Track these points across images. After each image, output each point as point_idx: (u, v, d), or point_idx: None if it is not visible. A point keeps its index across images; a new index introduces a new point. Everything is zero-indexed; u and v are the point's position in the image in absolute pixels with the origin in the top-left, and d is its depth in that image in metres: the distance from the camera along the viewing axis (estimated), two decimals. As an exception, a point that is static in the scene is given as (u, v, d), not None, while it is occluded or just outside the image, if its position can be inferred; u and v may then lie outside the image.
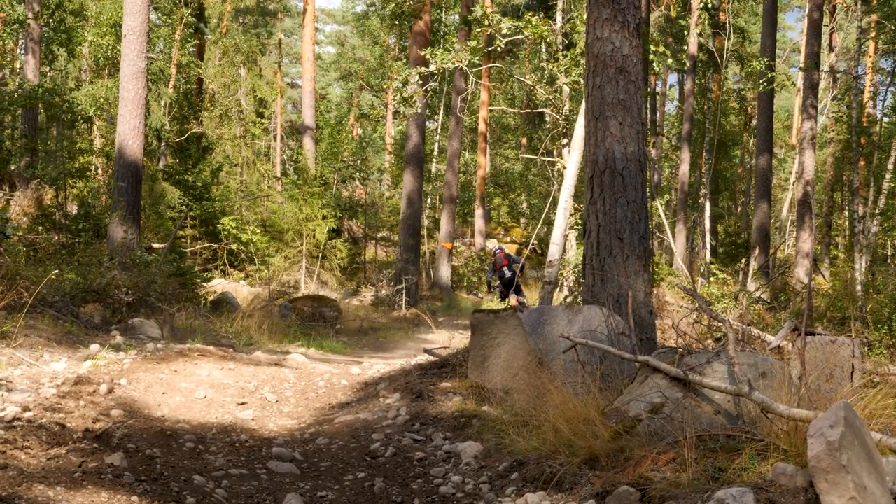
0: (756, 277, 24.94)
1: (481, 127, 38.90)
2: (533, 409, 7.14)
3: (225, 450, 7.38)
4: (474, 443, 7.13)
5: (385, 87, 40.46)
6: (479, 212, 37.88)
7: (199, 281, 19.08)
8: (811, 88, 25.45)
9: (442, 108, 45.22)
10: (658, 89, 45.92)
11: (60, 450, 6.06)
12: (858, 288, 19.94)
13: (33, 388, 7.83)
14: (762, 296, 20.04)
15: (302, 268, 28.59)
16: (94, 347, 10.34)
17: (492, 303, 21.03)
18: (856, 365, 6.77)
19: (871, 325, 13.99)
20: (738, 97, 46.09)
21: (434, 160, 44.65)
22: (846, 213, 39.14)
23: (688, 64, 32.86)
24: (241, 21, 51.64)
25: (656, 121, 43.01)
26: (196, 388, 9.24)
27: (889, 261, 31.65)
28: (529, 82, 20.51)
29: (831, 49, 37.22)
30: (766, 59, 25.52)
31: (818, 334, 7.17)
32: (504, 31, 18.80)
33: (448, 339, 15.54)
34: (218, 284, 22.97)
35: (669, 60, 23.21)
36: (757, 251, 26.67)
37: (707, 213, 33.25)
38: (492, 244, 23.10)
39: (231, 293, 20.79)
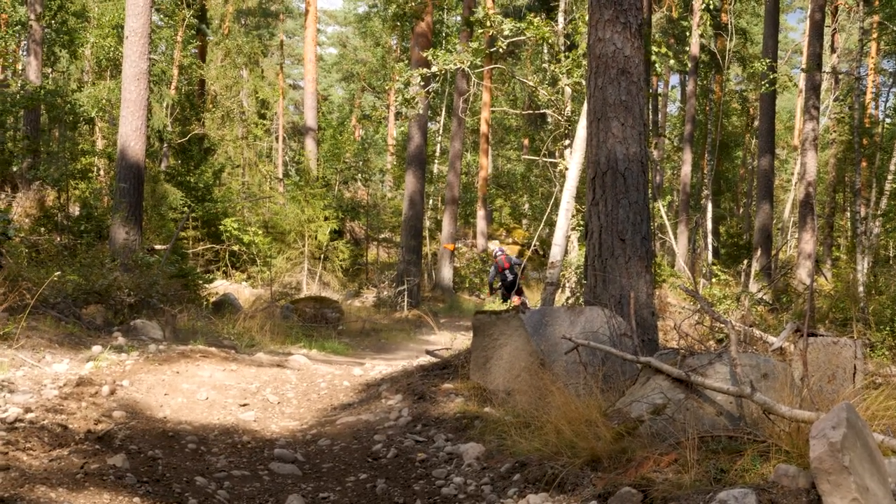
0: (758, 278, 24.93)
1: (483, 128, 38.93)
2: (535, 410, 7.14)
3: (227, 451, 7.38)
4: (476, 444, 7.13)
5: (387, 88, 40.51)
6: (480, 213, 37.90)
7: (200, 282, 19.08)
8: (813, 89, 25.44)
9: (444, 110, 45.23)
10: (660, 90, 45.90)
11: (62, 451, 6.06)
12: (860, 289, 19.93)
13: (35, 390, 7.83)
14: (764, 297, 20.02)
15: (304, 269, 28.61)
16: (96, 349, 10.35)
17: (494, 304, 21.02)
18: (858, 366, 6.77)
19: (874, 326, 13.98)
20: (739, 98, 46.09)
21: (436, 161, 44.65)
22: (848, 214, 39.09)
23: (689, 65, 32.91)
24: (243, 22, 51.58)
25: (658, 122, 43.01)
26: (198, 390, 9.24)
27: (891, 262, 31.63)
28: (531, 83, 20.52)
29: (833, 50, 37.21)
30: (767, 61, 25.53)
31: (820, 335, 7.17)
32: (506, 33, 18.81)
33: (450, 341, 15.55)
34: (220, 286, 22.96)
35: (672, 61, 23.24)
36: (759, 252, 26.67)
37: (709, 215, 33.26)
38: (493, 246, 23.13)
39: (233, 294, 20.79)
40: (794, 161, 41.99)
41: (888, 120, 32.83)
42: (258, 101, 41.85)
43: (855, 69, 30.15)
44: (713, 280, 23.35)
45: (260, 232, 27.52)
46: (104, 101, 26.82)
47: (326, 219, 29.00)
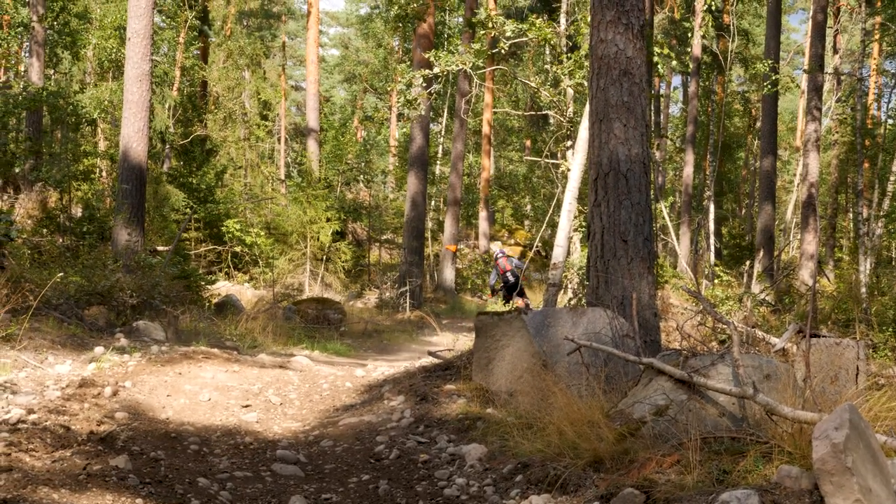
0: (760, 279, 24.90)
1: (485, 129, 38.94)
2: (537, 411, 7.14)
3: (229, 452, 7.39)
4: (479, 445, 7.13)
5: (389, 89, 40.51)
6: (483, 214, 37.91)
7: (203, 283, 19.09)
8: (815, 90, 25.42)
9: (446, 111, 45.23)
10: (662, 91, 45.86)
11: (65, 452, 6.06)
12: (863, 290, 19.93)
13: (38, 391, 7.84)
14: (766, 298, 20.01)
15: (306, 270, 28.61)
16: (99, 350, 10.36)
17: (496, 305, 21.03)
18: (860, 367, 6.77)
19: (876, 327, 13.98)
20: (742, 99, 46.08)
21: (438, 162, 44.65)
22: (850, 215, 39.07)
23: (692, 66, 32.89)
24: (245, 24, 51.62)
25: (660, 123, 42.96)
26: (200, 391, 9.24)
27: (894, 263, 31.66)
28: (533, 84, 20.51)
29: (835, 51, 37.17)
30: (770, 62, 25.53)
31: (823, 336, 7.17)
32: (508, 34, 18.81)
33: (452, 342, 15.55)
34: (222, 287, 22.97)
35: (674, 63, 23.23)
36: (761, 253, 26.66)
37: (711, 216, 33.25)
38: (495, 248, 23.16)
39: (235, 296, 20.80)
40: (797, 162, 41.98)
41: (890, 121, 32.82)
42: (260, 102, 41.87)
43: (857, 70, 30.18)
44: (715, 281, 23.35)
45: (262, 233, 27.54)
46: (106, 102, 26.84)
47: (328, 220, 28.99)
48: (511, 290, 20.53)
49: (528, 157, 37.90)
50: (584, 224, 17.62)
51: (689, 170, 33.48)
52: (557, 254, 15.64)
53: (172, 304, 14.68)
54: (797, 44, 57.66)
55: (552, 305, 15.47)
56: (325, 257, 29.29)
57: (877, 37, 33.98)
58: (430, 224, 37.77)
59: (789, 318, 16.14)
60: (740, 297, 18.88)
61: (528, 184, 44.75)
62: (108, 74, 29.54)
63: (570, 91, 18.86)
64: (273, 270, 26.98)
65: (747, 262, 30.95)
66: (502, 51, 19.46)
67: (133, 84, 17.25)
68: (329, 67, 68.83)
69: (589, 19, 10.29)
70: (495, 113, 40.23)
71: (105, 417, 7.35)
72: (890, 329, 13.75)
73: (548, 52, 22.86)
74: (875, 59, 40.13)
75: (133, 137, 17.21)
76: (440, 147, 45.54)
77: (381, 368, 12.82)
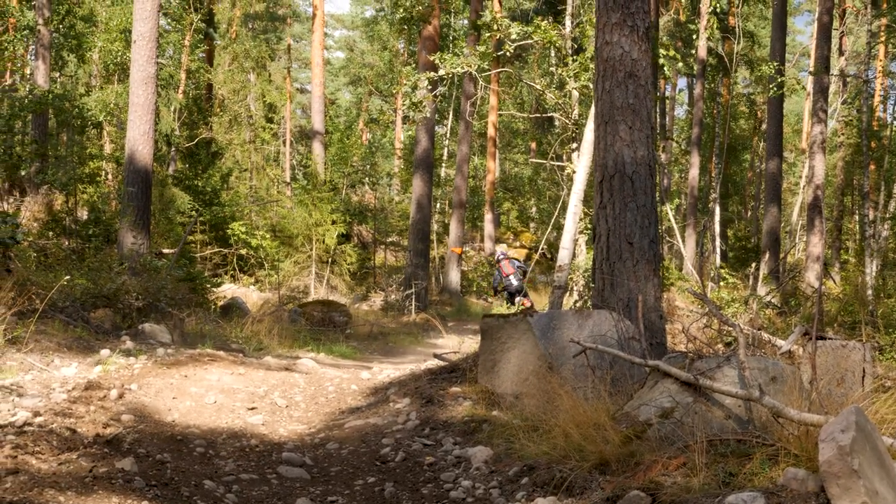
0: (766, 282, 24.89)
1: (490, 131, 38.92)
2: (543, 413, 7.14)
3: (235, 455, 7.39)
4: (484, 447, 7.12)
5: (394, 91, 40.50)
6: (488, 216, 37.90)
7: (208, 286, 19.10)
8: (821, 92, 25.41)
9: (451, 113, 45.22)
10: (667, 93, 45.94)
11: (71, 455, 6.07)
12: (869, 292, 19.91)
13: (44, 394, 7.85)
14: (772, 300, 20.00)
15: (311, 273, 28.60)
16: (105, 352, 10.36)
17: (501, 307, 21.04)
18: (867, 369, 6.76)
19: (882, 329, 13.95)
20: (747, 101, 46.06)
21: (443, 165, 44.64)
22: (857, 217, 39.06)
23: (697, 68, 32.84)
24: (250, 26, 51.68)
25: (666, 125, 43.00)
26: (206, 393, 9.25)
27: (900, 264, 31.56)
28: (539, 87, 20.52)
29: (841, 53, 37.18)
30: (775, 64, 25.49)
31: (829, 339, 7.16)
32: (513, 36, 18.82)
33: (458, 344, 15.53)
34: (228, 289, 22.97)
35: (679, 64, 23.21)
36: (767, 255, 26.64)
37: (717, 218, 33.22)
38: (500, 249, 23.17)
39: (241, 298, 20.80)
40: (802, 164, 41.97)
41: (896, 123, 32.80)
42: (265, 104, 41.88)
43: (863, 72, 30.13)
44: (721, 283, 23.34)
45: (268, 236, 27.54)
46: (112, 105, 26.89)
47: (334, 222, 28.98)
48: (515, 292, 20.57)
49: (534, 160, 37.92)
50: (589, 226, 17.63)
51: (694, 172, 33.45)
52: (563, 256, 15.63)
53: (178, 307, 14.69)
54: (803, 46, 57.62)
55: (558, 308, 15.46)
56: (330, 260, 29.28)
57: (882, 38, 34.00)
58: (435, 226, 37.75)
59: (795, 321, 16.12)
60: (746, 299, 18.88)
61: (534, 186, 44.70)
62: (114, 77, 29.59)
63: (576, 93, 18.87)
64: (278, 273, 26.99)
65: (753, 265, 30.94)
66: (507, 53, 19.48)
67: (138, 87, 17.27)
68: (334, 70, 68.92)
69: (594, 21, 10.30)
70: (501, 115, 40.26)
71: (111, 420, 7.36)
72: (896, 331, 13.72)
73: (553, 54, 22.89)
74: (881, 60, 40.14)
75: (139, 140, 17.23)
76: (445, 149, 45.53)
77: (386, 371, 12.81)
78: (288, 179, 43.38)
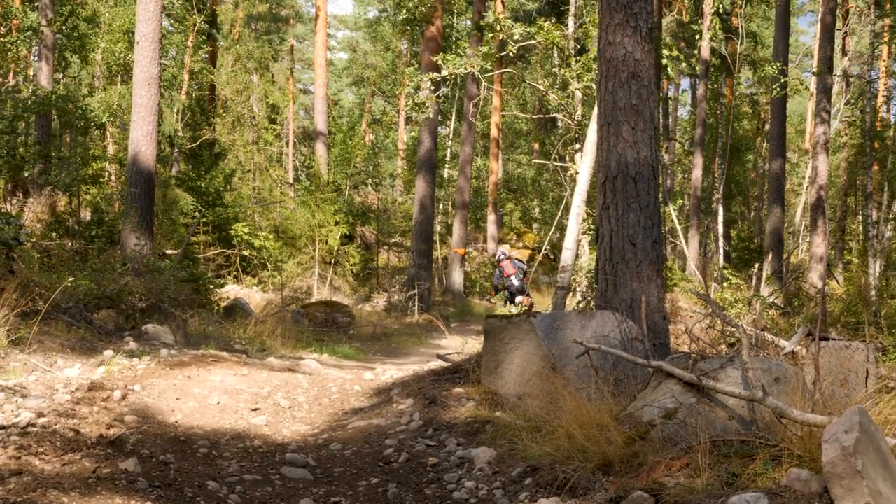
0: (769, 282, 24.89)
1: (493, 132, 38.91)
2: (546, 414, 7.14)
3: (238, 455, 7.39)
4: (487, 448, 7.12)
5: (397, 92, 40.55)
6: (491, 217, 37.89)
7: (211, 287, 19.10)
8: (824, 93, 25.40)
9: (454, 114, 45.25)
10: (670, 94, 45.83)
11: (75, 455, 6.07)
12: (872, 293, 19.89)
13: (47, 394, 7.85)
14: (776, 301, 19.99)
15: (314, 273, 28.62)
16: (108, 353, 10.37)
17: (504, 308, 21.05)
18: (870, 370, 6.76)
19: (886, 329, 13.93)
20: (750, 102, 46.01)
21: (446, 166, 44.66)
22: (860, 217, 39.00)
23: (700, 69, 32.82)
24: (253, 27, 51.71)
25: (669, 126, 42.94)
26: (209, 394, 9.25)
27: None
28: (542, 88, 20.53)
29: (844, 53, 37.16)
30: (778, 64, 25.48)
31: (832, 339, 7.16)
32: (516, 37, 18.83)
33: (461, 345, 15.54)
34: (231, 290, 22.99)
35: (683, 65, 23.21)
36: (770, 256, 26.62)
37: (720, 218, 33.19)
38: (502, 249, 23.21)
39: (244, 299, 20.82)
40: (806, 165, 41.98)
41: (899, 123, 32.76)
42: (268, 105, 41.91)
43: (866, 72, 30.08)
44: (724, 284, 23.31)
45: (271, 237, 27.58)
46: (115, 106, 26.89)
47: (337, 223, 29.00)
48: (516, 293, 20.60)
49: (537, 161, 37.87)
50: (592, 227, 17.63)
51: (697, 172, 33.43)
52: (566, 257, 15.65)
53: (181, 308, 14.69)
54: (806, 46, 57.60)
55: (561, 308, 15.48)
56: (333, 261, 29.30)
57: (886, 39, 33.94)
58: (438, 227, 37.79)
59: (798, 321, 16.12)
60: (749, 299, 18.87)
61: (537, 187, 44.72)
62: (117, 78, 29.59)
63: (579, 94, 18.88)
64: (281, 274, 27.01)
65: (756, 265, 30.95)
66: (510, 54, 19.49)
67: (142, 88, 17.28)
68: (337, 71, 68.90)
69: (597, 22, 10.29)
70: (503, 116, 40.24)
71: (114, 421, 7.36)
72: (899, 332, 13.70)
73: (556, 55, 22.92)
74: (884, 61, 40.07)
75: (142, 141, 17.23)
76: (448, 150, 45.55)
77: (389, 372, 12.81)
78: (291, 180, 43.39)
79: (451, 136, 46.08)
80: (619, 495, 5.24)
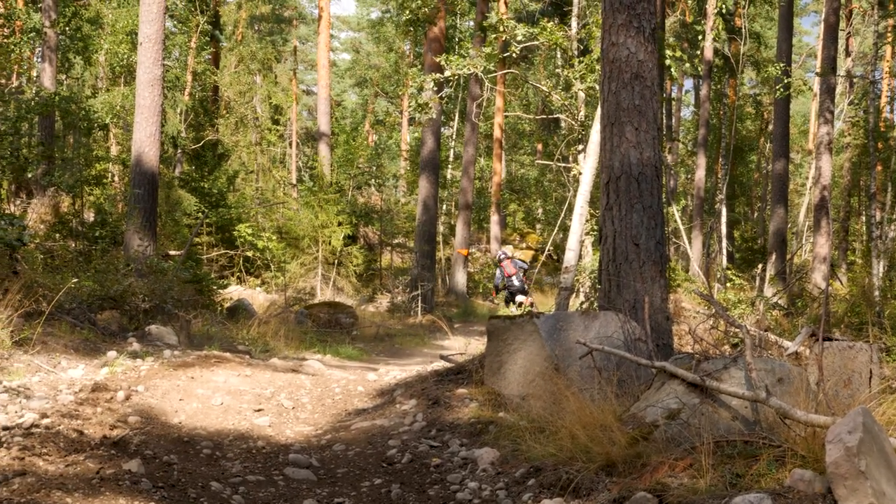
0: (773, 283, 24.85)
1: (496, 133, 38.90)
2: (549, 415, 7.14)
3: (242, 456, 7.40)
4: (491, 449, 7.12)
5: (400, 93, 40.54)
6: (494, 218, 37.87)
7: (215, 288, 19.10)
8: (828, 93, 25.36)
9: (457, 115, 45.23)
10: (674, 95, 45.82)
11: (78, 456, 6.08)
12: (876, 293, 19.85)
13: (51, 395, 7.86)
14: (779, 301, 19.97)
15: (318, 274, 28.62)
16: (112, 354, 10.38)
17: (508, 309, 21.06)
18: (874, 370, 6.76)
19: (889, 330, 13.91)
20: (753, 102, 45.96)
21: (449, 166, 44.65)
22: (863, 218, 38.97)
23: (703, 69, 32.79)
24: (256, 28, 51.75)
25: (672, 126, 42.91)
26: (213, 395, 9.25)
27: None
28: (545, 88, 20.53)
29: (848, 53, 37.12)
30: (782, 65, 25.46)
31: (836, 340, 7.16)
32: (519, 38, 18.81)
33: (464, 346, 15.52)
34: (234, 291, 23.00)
35: (686, 66, 23.19)
36: (774, 256, 26.60)
37: (723, 219, 33.11)
38: (504, 250, 23.26)
39: (247, 300, 20.82)
40: (809, 165, 41.88)
41: (903, 123, 32.73)
42: (272, 106, 41.93)
43: (870, 73, 30.05)
44: (728, 284, 23.33)
45: (274, 237, 27.59)
46: (118, 107, 26.93)
47: (340, 224, 29.00)
48: (516, 292, 20.65)
49: (540, 161, 37.89)
50: (595, 228, 17.62)
51: (700, 173, 33.39)
52: (569, 257, 15.63)
53: (185, 309, 14.70)
54: (809, 46, 57.63)
55: (564, 309, 15.46)
56: (336, 261, 29.30)
57: (889, 39, 33.89)
58: (441, 228, 37.76)
59: (802, 322, 16.10)
60: (753, 300, 18.85)
61: (540, 187, 44.71)
62: (120, 79, 29.63)
63: (582, 95, 18.86)
64: (285, 274, 27.01)
65: (760, 266, 30.88)
66: (513, 54, 19.49)
67: (145, 89, 17.29)
68: (340, 72, 68.90)
69: (600, 23, 10.29)
70: (507, 117, 40.20)
71: (118, 422, 7.37)
72: (903, 332, 13.67)
73: (559, 55, 22.87)
74: (888, 61, 40.04)
75: (145, 142, 17.25)
76: (451, 151, 45.53)
77: (392, 372, 12.82)
78: (294, 181, 43.45)
79: (454, 136, 46.07)
80: (623, 496, 5.24)
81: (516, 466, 6.59)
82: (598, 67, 15.82)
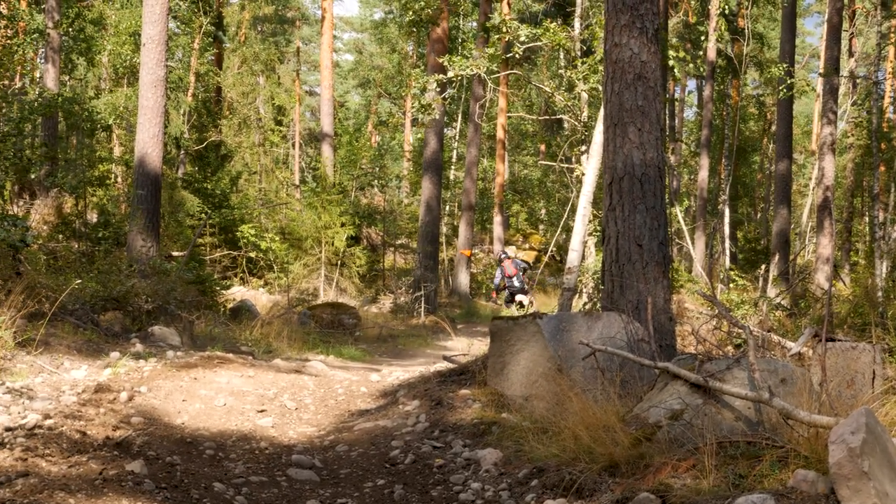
0: (776, 283, 24.85)
1: (499, 134, 38.89)
2: (552, 416, 7.13)
3: (245, 457, 7.40)
4: (494, 450, 7.12)
5: (403, 94, 40.48)
6: (497, 219, 37.87)
7: (218, 288, 19.12)
8: (831, 93, 25.36)
9: (460, 115, 45.24)
10: (677, 95, 45.81)
11: (81, 457, 6.08)
12: (879, 294, 19.84)
13: (54, 396, 7.86)
14: (782, 302, 19.95)
15: (321, 275, 28.61)
16: (115, 355, 10.38)
17: (508, 309, 21.08)
18: (877, 371, 6.76)
19: (892, 331, 13.90)
20: (756, 103, 45.98)
21: (452, 167, 44.67)
22: (866, 218, 39.00)
23: (706, 70, 32.79)
24: (259, 29, 51.72)
25: (675, 127, 42.91)
26: (216, 396, 9.25)
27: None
28: (548, 89, 20.54)
29: (851, 54, 37.09)
30: (785, 65, 25.46)
31: (839, 340, 7.16)
32: (522, 39, 18.83)
33: (467, 346, 15.54)
34: (237, 292, 23.01)
35: (689, 66, 23.19)
36: (777, 257, 26.60)
37: (726, 220, 33.15)
38: (505, 250, 23.27)
39: (250, 301, 20.82)
40: (812, 165, 41.87)
41: (906, 124, 32.73)
42: (275, 107, 41.92)
43: (873, 73, 30.08)
44: (731, 285, 23.31)
45: (277, 238, 27.60)
46: (121, 108, 26.95)
47: (343, 225, 28.99)
48: (516, 293, 20.72)
49: (543, 162, 37.89)
50: (598, 228, 17.62)
51: (703, 174, 33.39)
52: (572, 258, 15.63)
53: (188, 310, 14.70)
54: (812, 47, 57.52)
55: (567, 310, 15.46)
56: (339, 262, 29.30)
57: (892, 40, 33.94)
58: (444, 229, 37.79)
59: (805, 322, 16.08)
60: (756, 301, 18.84)
61: (543, 188, 44.69)
62: (123, 80, 29.66)
63: (585, 95, 18.88)
64: (288, 275, 27.01)
65: (763, 266, 30.91)
66: (516, 55, 19.50)
67: (148, 90, 17.30)
68: (343, 72, 68.88)
69: (603, 23, 10.29)
70: (510, 117, 40.20)
71: (121, 422, 7.37)
72: (906, 333, 13.66)
73: (562, 56, 22.88)
74: (891, 62, 40.05)
75: (148, 143, 17.26)
76: (454, 152, 45.55)
77: (395, 373, 12.81)
78: (297, 182, 43.45)
79: (457, 137, 46.09)
80: (626, 496, 5.24)
81: (519, 467, 6.59)
82: (601, 68, 15.83)
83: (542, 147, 45.07)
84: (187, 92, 32.26)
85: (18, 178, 22.33)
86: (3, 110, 19.65)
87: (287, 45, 58.34)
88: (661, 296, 8.89)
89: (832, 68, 24.90)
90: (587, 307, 17.30)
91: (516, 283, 20.85)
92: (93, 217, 22.27)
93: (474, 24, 44.16)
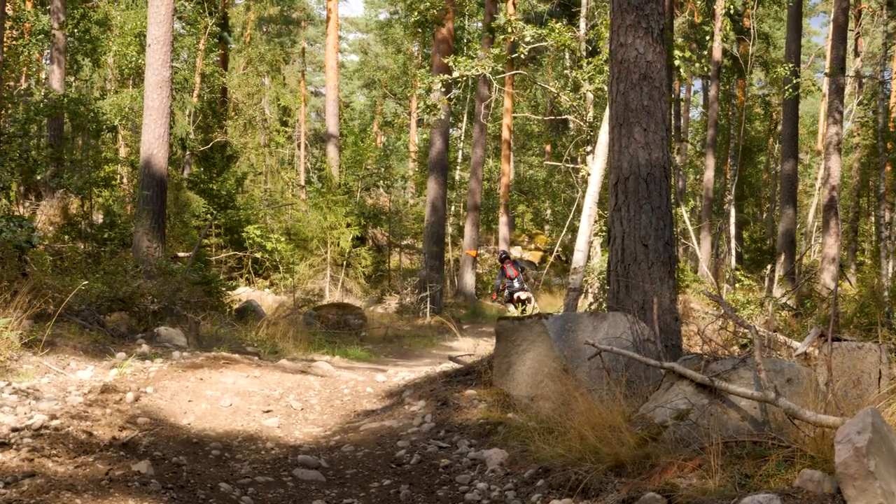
0: (782, 283, 24.83)
1: (505, 134, 38.87)
2: (558, 416, 7.13)
3: (251, 457, 7.40)
4: (500, 450, 7.12)
5: (408, 94, 40.47)
6: (503, 219, 37.85)
7: (224, 289, 19.12)
8: (837, 93, 25.33)
9: (465, 116, 45.24)
10: (682, 95, 45.74)
11: (87, 458, 6.09)
12: (885, 293, 19.83)
13: (60, 397, 7.87)
14: (788, 302, 19.94)
15: (326, 276, 28.64)
16: (121, 356, 10.39)
17: (515, 310, 21.09)
18: (883, 371, 6.74)
19: (899, 330, 13.89)
20: (762, 103, 45.88)
21: (458, 168, 44.65)
22: (872, 218, 38.90)
23: (712, 70, 32.77)
24: (264, 30, 51.78)
25: (681, 127, 42.85)
26: (222, 396, 9.26)
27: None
28: (553, 89, 20.54)
29: (857, 54, 37.05)
30: (791, 65, 25.42)
31: (845, 340, 7.14)
32: (527, 39, 18.84)
33: (473, 347, 15.53)
34: (243, 292, 23.02)
35: (694, 66, 23.17)
36: (783, 257, 26.56)
37: (732, 220, 33.13)
38: (503, 249, 23.32)
39: (256, 301, 20.83)
40: (818, 165, 41.84)
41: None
42: (280, 108, 41.96)
43: (879, 73, 30.03)
44: (737, 285, 23.29)
45: (282, 239, 27.62)
46: (127, 109, 26.98)
47: (349, 225, 29.01)
48: (514, 293, 20.80)
49: (548, 162, 37.86)
50: (604, 229, 17.62)
51: (709, 174, 33.37)
52: (578, 258, 15.64)
53: (193, 310, 14.71)
54: (818, 47, 57.50)
55: (572, 310, 15.47)
56: (345, 263, 29.32)
57: (898, 39, 33.82)
58: (450, 229, 37.80)
59: (811, 322, 16.07)
60: (762, 301, 18.83)
61: (548, 188, 44.67)
62: (129, 81, 29.70)
63: (590, 95, 18.88)
64: (293, 276, 27.03)
65: (769, 266, 30.87)
66: (522, 55, 19.53)
67: (153, 90, 17.32)
68: (348, 73, 68.89)
69: (609, 24, 10.29)
70: (515, 118, 40.19)
71: (127, 423, 7.38)
72: (912, 333, 13.65)
73: (567, 56, 22.88)
74: (897, 61, 39.98)
75: (154, 144, 17.27)
76: (460, 152, 45.54)
77: (401, 374, 12.81)
78: (302, 182, 43.48)
79: (462, 137, 46.09)
80: (632, 496, 5.24)
81: (525, 467, 6.59)
82: (606, 68, 15.82)
83: (548, 147, 45.04)
84: (193, 93, 32.28)
85: (24, 179, 22.33)
86: (9, 111, 19.68)
87: (292, 46, 58.39)
88: (667, 296, 8.89)
89: (838, 68, 24.88)
90: (593, 307, 17.30)
91: (516, 284, 20.92)
92: (98, 218, 22.28)
93: (479, 24, 44.27)
